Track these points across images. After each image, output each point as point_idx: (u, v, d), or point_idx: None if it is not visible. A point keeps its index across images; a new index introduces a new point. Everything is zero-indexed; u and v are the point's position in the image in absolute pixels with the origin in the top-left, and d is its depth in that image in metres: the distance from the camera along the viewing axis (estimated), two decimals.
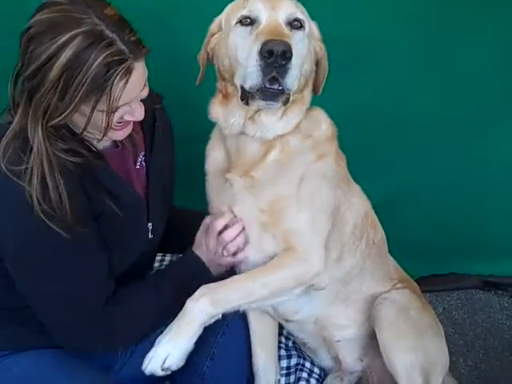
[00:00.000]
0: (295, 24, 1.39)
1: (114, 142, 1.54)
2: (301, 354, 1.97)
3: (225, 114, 1.49)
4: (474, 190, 2.37)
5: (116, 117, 1.36)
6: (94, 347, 1.54)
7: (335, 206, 1.57)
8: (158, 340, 1.39)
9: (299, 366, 1.94)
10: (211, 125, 1.58)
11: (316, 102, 1.57)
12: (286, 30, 1.36)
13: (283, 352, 1.95)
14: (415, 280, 1.96)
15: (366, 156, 2.13)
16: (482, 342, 2.41)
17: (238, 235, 1.53)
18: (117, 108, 1.33)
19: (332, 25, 1.57)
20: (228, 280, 1.48)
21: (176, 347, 1.37)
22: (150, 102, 1.52)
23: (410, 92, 2.13)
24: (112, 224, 1.46)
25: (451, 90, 2.13)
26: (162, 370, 1.37)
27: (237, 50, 1.38)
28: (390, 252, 1.86)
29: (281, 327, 1.90)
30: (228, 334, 1.70)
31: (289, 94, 1.36)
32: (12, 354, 1.53)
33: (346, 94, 1.99)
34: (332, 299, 1.70)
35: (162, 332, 1.41)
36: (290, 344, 1.99)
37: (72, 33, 1.22)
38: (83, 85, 1.24)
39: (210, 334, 1.57)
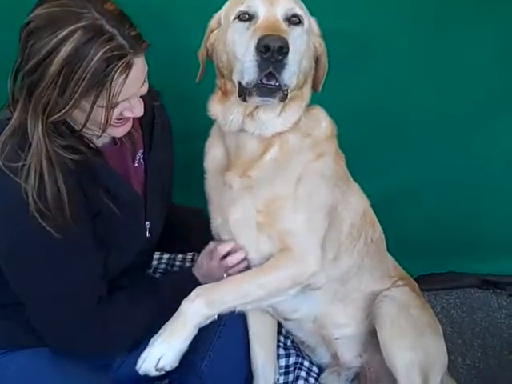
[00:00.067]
0: (293, 20, 1.39)
1: (113, 139, 1.53)
2: (299, 353, 1.97)
3: (224, 111, 1.49)
4: (473, 189, 2.37)
5: (115, 113, 1.35)
6: (81, 348, 1.50)
7: (332, 206, 1.57)
8: (152, 340, 1.38)
9: (298, 365, 1.94)
10: (210, 122, 1.58)
11: (314, 98, 1.57)
12: (284, 25, 1.36)
13: (282, 351, 1.95)
14: (414, 279, 1.95)
15: (364, 153, 2.12)
16: (481, 340, 2.41)
17: (240, 261, 1.54)
18: (116, 104, 1.32)
19: (331, 21, 1.57)
20: (223, 281, 1.48)
21: (170, 348, 1.36)
22: (149, 99, 1.52)
23: (409, 89, 2.13)
24: (109, 222, 1.46)
25: (451, 87, 2.13)
26: (156, 370, 1.36)
27: (235, 45, 1.38)
28: (388, 251, 1.86)
29: (280, 326, 1.90)
30: (226, 333, 1.69)
31: (286, 91, 1.36)
32: (9, 352, 1.52)
33: (344, 90, 1.99)
34: (330, 298, 1.70)
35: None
36: (289, 343, 1.99)
37: (72, 27, 1.21)
38: (83, 80, 1.24)
39: (208, 333, 1.56)
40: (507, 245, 2.53)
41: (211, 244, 1.63)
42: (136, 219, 1.56)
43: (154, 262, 2.09)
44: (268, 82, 1.31)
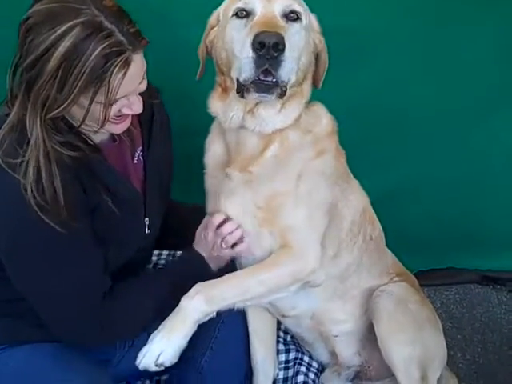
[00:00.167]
0: (291, 16, 1.39)
1: (112, 136, 1.53)
2: (299, 348, 1.97)
3: (224, 107, 1.49)
4: (473, 185, 2.37)
5: (114, 110, 1.35)
6: (91, 341, 1.53)
7: (332, 203, 1.57)
8: (151, 336, 1.39)
9: (298, 360, 1.94)
10: (210, 119, 1.58)
11: (314, 95, 1.56)
12: (282, 21, 1.35)
13: (282, 346, 1.95)
14: (414, 274, 1.96)
15: (364, 150, 2.12)
16: (481, 336, 2.41)
17: (235, 229, 1.53)
18: (115, 100, 1.32)
19: (331, 17, 1.56)
20: (223, 278, 1.48)
21: (169, 344, 1.37)
22: (148, 96, 1.51)
23: (409, 85, 2.12)
24: (108, 219, 1.46)
25: (450, 83, 2.13)
26: (156, 365, 1.37)
27: (233, 42, 1.38)
28: (388, 246, 1.86)
29: (279, 321, 1.90)
30: (226, 328, 1.69)
31: (284, 87, 1.36)
32: (8, 348, 1.53)
33: (345, 87, 1.98)
34: (330, 295, 1.70)
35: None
36: (289, 338, 1.99)
37: (70, 23, 1.21)
38: (82, 76, 1.23)
39: (207, 329, 1.56)
40: (507, 241, 2.53)
41: (207, 217, 1.63)
42: (135, 216, 1.56)
43: (154, 258, 2.08)
44: (265, 79, 1.31)
